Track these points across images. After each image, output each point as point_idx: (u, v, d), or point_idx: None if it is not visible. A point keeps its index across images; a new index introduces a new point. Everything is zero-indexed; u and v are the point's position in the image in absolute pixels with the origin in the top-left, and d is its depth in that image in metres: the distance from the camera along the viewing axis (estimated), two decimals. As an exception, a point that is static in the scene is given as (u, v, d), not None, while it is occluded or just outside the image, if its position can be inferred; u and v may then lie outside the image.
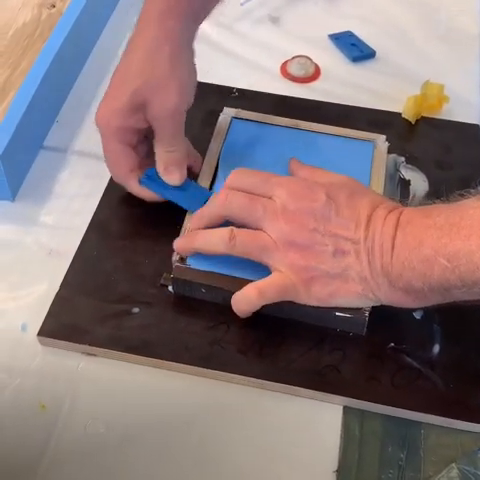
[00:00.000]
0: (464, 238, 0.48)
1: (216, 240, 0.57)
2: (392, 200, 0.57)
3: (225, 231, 0.56)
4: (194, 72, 0.64)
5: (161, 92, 0.60)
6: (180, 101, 0.61)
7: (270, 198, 0.56)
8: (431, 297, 0.52)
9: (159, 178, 0.63)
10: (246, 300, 0.56)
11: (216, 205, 0.58)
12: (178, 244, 0.60)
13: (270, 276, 0.56)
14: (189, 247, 0.59)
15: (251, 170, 0.60)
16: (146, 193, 0.64)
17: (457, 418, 0.54)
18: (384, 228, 0.53)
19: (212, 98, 0.76)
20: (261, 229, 0.56)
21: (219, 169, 0.66)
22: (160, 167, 0.63)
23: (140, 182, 0.64)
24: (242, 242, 0.56)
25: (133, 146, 0.63)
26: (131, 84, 0.60)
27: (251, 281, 0.57)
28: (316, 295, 0.55)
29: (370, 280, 0.54)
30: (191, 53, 0.63)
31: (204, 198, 0.61)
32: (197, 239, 0.58)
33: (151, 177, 0.63)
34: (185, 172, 0.64)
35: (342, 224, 0.54)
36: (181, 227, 0.62)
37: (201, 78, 0.78)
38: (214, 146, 0.69)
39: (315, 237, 0.54)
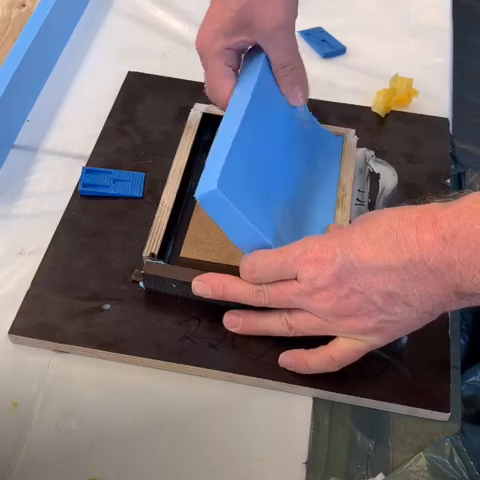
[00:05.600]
0: None
1: (277, 329, 0.55)
2: (406, 207, 0.51)
3: (282, 321, 0.55)
4: None
5: (268, 6, 0.59)
6: (288, 12, 0.60)
7: (295, 279, 0.53)
8: None
9: None
10: (320, 367, 0.55)
11: (252, 301, 0.55)
12: (238, 327, 0.58)
13: (340, 343, 0.53)
14: (252, 330, 0.57)
15: (263, 256, 0.54)
16: None
17: (424, 407, 0.55)
18: (424, 251, 0.48)
19: (184, 94, 0.77)
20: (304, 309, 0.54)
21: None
22: (284, 89, 0.63)
23: None
24: (300, 329, 0.54)
25: (235, 69, 0.62)
26: (236, 3, 0.59)
27: None
28: (390, 338, 0.53)
29: (436, 303, 0.50)
30: None
31: None
32: (258, 325, 0.56)
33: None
34: (308, 91, 0.64)
35: (370, 269, 0.50)
36: (151, 224, 0.62)
37: (174, 74, 0.79)
38: (185, 142, 0.69)
39: (356, 299, 0.51)
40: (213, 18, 0.61)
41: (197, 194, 0.55)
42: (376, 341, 0.53)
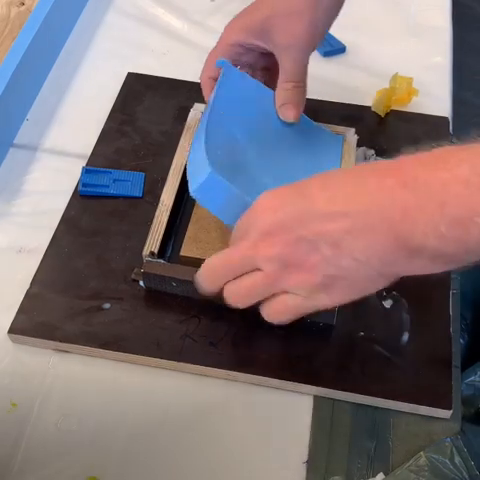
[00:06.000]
0: None
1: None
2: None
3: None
4: (328, 18, 0.64)
5: (291, 21, 0.61)
6: (307, 34, 0.62)
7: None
8: (465, 259, 0.44)
9: None
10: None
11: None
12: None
13: (289, 299, 0.50)
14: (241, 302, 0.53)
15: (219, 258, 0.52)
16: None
17: (426, 405, 0.54)
18: (382, 196, 0.44)
19: (184, 94, 0.77)
20: (257, 269, 0.50)
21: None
22: (278, 102, 0.64)
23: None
24: (251, 294, 0.51)
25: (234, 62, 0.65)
26: (267, 9, 0.63)
27: None
28: (340, 299, 0.50)
29: (383, 259, 0.46)
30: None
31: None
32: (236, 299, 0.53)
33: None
34: (301, 111, 0.65)
35: (322, 216, 0.46)
36: (151, 223, 0.62)
37: (172, 74, 0.79)
38: (184, 142, 0.69)
39: (304, 247, 0.47)
40: (246, 14, 0.65)
41: (192, 189, 0.56)
42: (325, 300, 0.49)
